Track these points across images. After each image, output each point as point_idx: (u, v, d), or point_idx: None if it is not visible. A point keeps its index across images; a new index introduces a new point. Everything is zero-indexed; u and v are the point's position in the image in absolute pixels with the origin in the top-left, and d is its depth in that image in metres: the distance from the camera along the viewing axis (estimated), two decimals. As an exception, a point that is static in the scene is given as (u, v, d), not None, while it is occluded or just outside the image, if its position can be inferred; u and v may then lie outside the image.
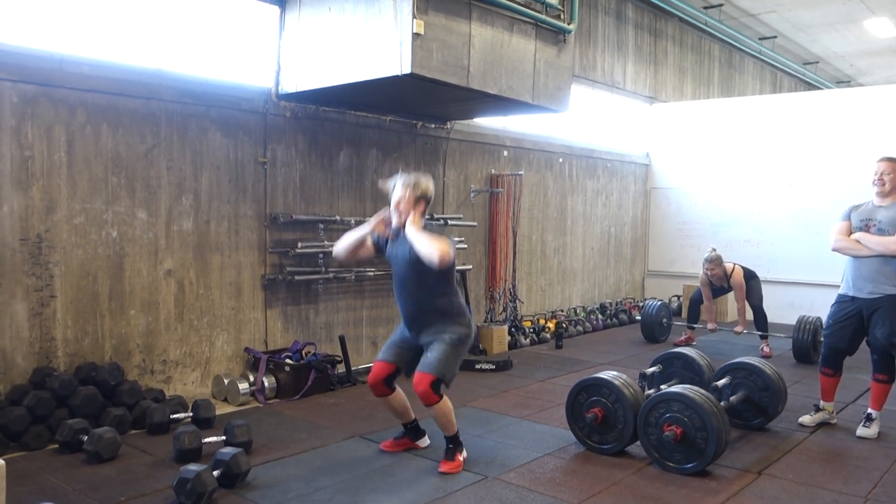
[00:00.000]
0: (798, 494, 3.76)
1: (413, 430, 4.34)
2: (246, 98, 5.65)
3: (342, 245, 4.08)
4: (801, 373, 6.67)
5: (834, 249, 4.80)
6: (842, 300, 4.82)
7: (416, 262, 3.80)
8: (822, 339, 4.90)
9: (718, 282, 7.64)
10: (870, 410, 4.82)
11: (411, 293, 3.96)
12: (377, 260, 5.25)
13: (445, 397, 3.92)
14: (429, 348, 3.91)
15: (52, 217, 4.62)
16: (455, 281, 4.06)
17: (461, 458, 4.05)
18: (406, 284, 3.96)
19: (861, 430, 4.76)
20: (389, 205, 3.94)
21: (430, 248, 3.65)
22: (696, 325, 8.01)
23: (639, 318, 9.93)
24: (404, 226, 3.84)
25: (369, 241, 4.07)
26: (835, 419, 5.02)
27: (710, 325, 7.84)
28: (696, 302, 7.99)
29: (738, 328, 7.56)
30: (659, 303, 8.36)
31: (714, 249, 7.62)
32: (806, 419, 4.97)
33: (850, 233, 4.69)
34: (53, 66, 4.59)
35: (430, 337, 3.94)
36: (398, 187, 3.88)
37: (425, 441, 4.37)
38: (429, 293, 3.90)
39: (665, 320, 8.32)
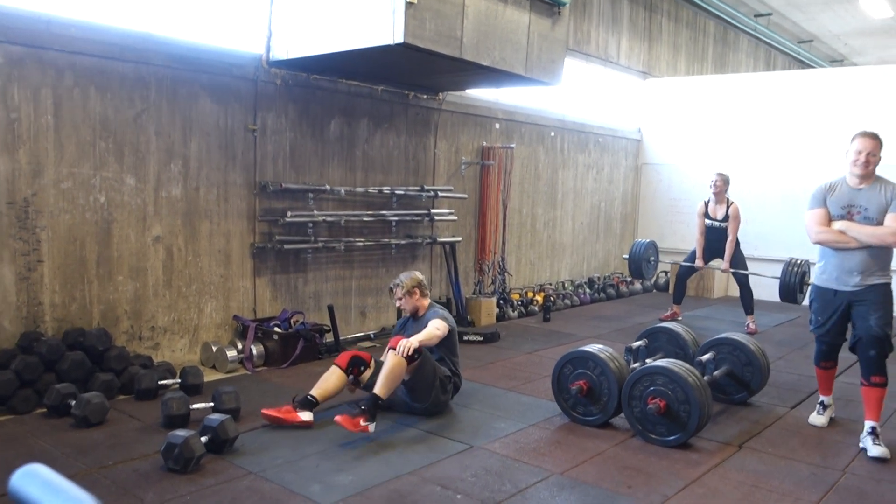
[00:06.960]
0: (777, 467, 3.84)
1: (311, 404, 4.26)
2: (237, 64, 5.59)
3: None
4: (784, 349, 6.75)
5: (816, 243, 4.19)
6: (823, 294, 4.25)
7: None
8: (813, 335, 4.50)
9: (714, 207, 7.68)
10: (873, 424, 4.05)
11: None
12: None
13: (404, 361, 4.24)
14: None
15: (39, 181, 4.58)
16: (456, 348, 4.77)
17: (363, 426, 3.95)
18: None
19: (876, 451, 3.93)
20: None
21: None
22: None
23: (626, 292, 10.02)
24: (414, 315, 4.78)
25: None
26: (834, 412, 4.61)
27: (698, 263, 7.82)
28: (682, 278, 8.04)
29: (724, 266, 7.64)
30: (647, 241, 8.34)
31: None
32: (819, 420, 4.49)
33: (830, 221, 4.10)
34: (41, 28, 4.51)
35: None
36: (395, 290, 4.72)
37: (308, 416, 4.22)
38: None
39: (653, 258, 8.29)
